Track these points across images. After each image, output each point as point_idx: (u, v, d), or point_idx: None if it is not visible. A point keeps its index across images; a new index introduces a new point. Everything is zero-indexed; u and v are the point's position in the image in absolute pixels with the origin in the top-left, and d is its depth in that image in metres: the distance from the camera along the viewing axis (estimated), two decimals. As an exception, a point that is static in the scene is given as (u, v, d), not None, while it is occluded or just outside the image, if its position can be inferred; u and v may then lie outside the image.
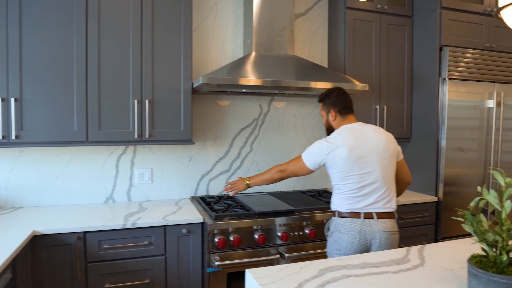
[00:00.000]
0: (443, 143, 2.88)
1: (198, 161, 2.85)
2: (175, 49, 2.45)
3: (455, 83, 2.87)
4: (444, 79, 2.86)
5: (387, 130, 2.96)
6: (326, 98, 2.12)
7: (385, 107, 3.02)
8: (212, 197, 2.78)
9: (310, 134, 3.14)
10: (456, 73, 2.88)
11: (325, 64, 3.16)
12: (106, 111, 2.35)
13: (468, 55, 2.92)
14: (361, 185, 1.94)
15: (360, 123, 2.07)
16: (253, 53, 2.66)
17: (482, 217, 1.27)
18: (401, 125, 3.11)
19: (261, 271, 1.38)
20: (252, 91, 2.72)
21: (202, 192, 2.87)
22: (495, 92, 2.99)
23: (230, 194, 2.41)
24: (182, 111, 2.48)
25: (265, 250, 2.33)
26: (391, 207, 1.99)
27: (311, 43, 3.12)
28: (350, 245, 1.93)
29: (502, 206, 1.23)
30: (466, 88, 2.92)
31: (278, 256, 2.32)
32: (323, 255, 2.37)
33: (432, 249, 1.66)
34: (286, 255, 2.32)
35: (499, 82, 3.04)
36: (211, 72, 2.38)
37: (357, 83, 2.62)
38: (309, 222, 2.42)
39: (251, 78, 2.39)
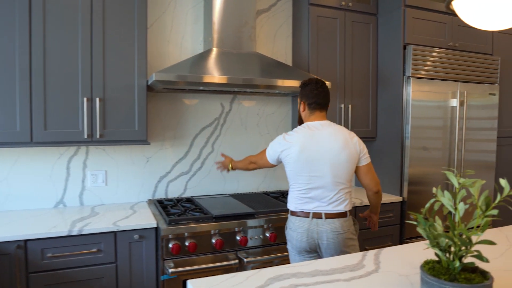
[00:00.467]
0: (407, 142, 2.85)
1: (156, 162, 2.71)
2: (129, 44, 2.31)
3: (419, 82, 2.85)
4: (408, 77, 2.83)
5: (352, 129, 2.93)
6: (303, 87, 2.05)
7: (349, 106, 2.96)
8: (170, 200, 2.65)
9: (274, 134, 3.05)
10: (421, 72, 2.85)
11: (289, 61, 3.09)
12: (52, 110, 2.18)
13: (433, 54, 2.90)
14: (309, 186, 1.92)
15: (323, 123, 1.99)
16: (214, 50, 2.55)
17: (437, 220, 1.21)
18: (366, 125, 3.07)
19: (204, 281, 1.27)
20: (213, 89, 2.62)
21: (160, 195, 2.73)
22: (458, 91, 2.99)
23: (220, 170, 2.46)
24: (136, 109, 2.34)
25: (223, 256, 2.22)
26: (342, 209, 1.94)
27: (275, 40, 3.03)
28: (299, 243, 1.95)
29: (456, 209, 1.17)
30: (430, 87, 2.90)
31: (237, 261, 2.21)
32: (285, 259, 2.29)
33: (389, 253, 1.60)
34: (245, 260, 2.22)
35: (462, 81, 3.05)
36: (165, 69, 2.26)
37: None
38: (270, 225, 2.33)
39: (207, 75, 2.28)
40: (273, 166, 2.12)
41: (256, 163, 2.20)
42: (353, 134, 2.01)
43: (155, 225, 2.14)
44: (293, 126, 3.04)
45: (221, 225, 2.21)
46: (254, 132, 2.99)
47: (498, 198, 1.11)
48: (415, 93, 2.83)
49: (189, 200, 2.64)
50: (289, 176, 2.00)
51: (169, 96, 2.72)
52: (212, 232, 2.20)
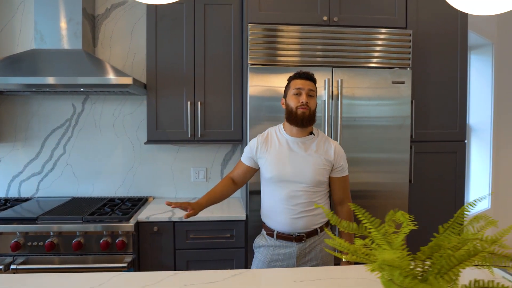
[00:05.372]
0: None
1: (8, 162, 2.82)
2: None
3: (258, 72, 2.28)
4: (247, 66, 2.30)
5: (206, 130, 2.55)
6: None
7: (199, 103, 2.55)
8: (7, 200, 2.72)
9: (133, 136, 2.84)
10: (259, 59, 2.28)
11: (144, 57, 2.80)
12: None
13: (279, 34, 2.29)
14: None
15: None
16: (33, 49, 2.52)
17: None
18: (228, 125, 2.60)
19: None
20: (60, 90, 2.58)
21: (13, 194, 2.83)
22: (328, 80, 2.29)
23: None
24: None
25: (-11, 259, 2.19)
26: None
27: (133, 35, 2.82)
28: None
29: None
30: (273, 78, 2.29)
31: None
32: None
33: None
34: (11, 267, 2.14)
35: (338, 67, 2.33)
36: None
37: (112, 76, 2.27)
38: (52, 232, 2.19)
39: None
40: None
41: None
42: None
43: None
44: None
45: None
46: (109, 133, 2.84)
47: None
48: (253, 88, 2.28)
49: (19, 200, 2.68)
50: None
51: (19, 98, 2.79)
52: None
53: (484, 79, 3.86)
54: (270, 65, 2.31)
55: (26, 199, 2.73)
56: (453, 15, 2.50)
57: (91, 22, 2.75)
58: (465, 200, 3.34)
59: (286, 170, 1.78)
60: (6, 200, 2.71)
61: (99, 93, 2.74)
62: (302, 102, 1.75)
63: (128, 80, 2.28)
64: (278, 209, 1.79)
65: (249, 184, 2.31)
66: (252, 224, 2.32)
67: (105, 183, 2.86)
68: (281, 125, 1.89)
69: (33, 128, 2.82)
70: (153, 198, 2.86)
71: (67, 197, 2.81)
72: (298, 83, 1.79)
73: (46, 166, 2.83)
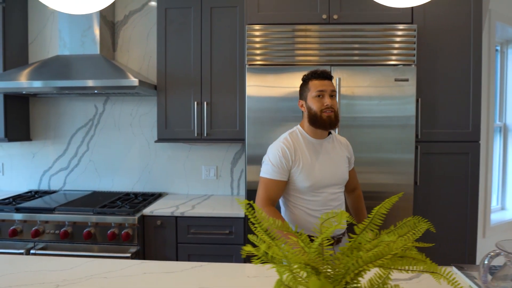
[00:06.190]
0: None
1: (40, 158, 3.10)
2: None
3: (252, 73, 2.31)
4: (244, 67, 2.34)
5: (212, 130, 2.64)
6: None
7: (205, 103, 2.64)
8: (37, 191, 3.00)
9: (148, 134, 3.00)
10: (256, 59, 2.32)
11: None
12: None
13: (272, 35, 2.30)
14: None
15: None
16: (57, 55, 2.76)
17: None
18: (233, 125, 2.66)
19: None
20: (83, 92, 2.82)
21: (44, 187, 3.11)
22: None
23: None
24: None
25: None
26: None
27: (149, 40, 2.98)
28: None
29: None
30: (272, 78, 2.31)
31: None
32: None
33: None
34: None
35: (339, 65, 2.29)
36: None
37: (120, 79, 2.42)
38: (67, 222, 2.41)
39: (20, 81, 2.52)
40: None
41: None
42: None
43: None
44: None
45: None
46: (127, 132, 3.03)
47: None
48: (251, 88, 2.32)
49: (48, 192, 2.95)
50: None
51: (49, 100, 3.07)
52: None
53: (523, 75, 3.57)
54: (268, 65, 2.34)
55: (53, 192, 2.99)
56: (465, 8, 2.36)
57: (111, 28, 2.95)
58: (485, 204, 3.12)
59: (323, 175, 1.69)
60: (36, 192, 2.99)
61: (118, 95, 2.94)
62: (327, 105, 1.66)
63: (134, 82, 2.43)
64: (316, 217, 1.67)
65: (247, 183, 2.36)
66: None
67: (123, 179, 3.06)
68: (300, 128, 1.77)
69: (61, 127, 3.08)
70: (167, 194, 3.01)
71: (89, 190, 3.05)
72: (318, 84, 1.70)
73: (72, 162, 3.09)
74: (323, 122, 1.67)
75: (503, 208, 3.72)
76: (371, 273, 0.89)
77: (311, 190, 1.69)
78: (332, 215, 1.02)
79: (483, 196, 3.13)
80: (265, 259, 0.82)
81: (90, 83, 2.44)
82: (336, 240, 1.71)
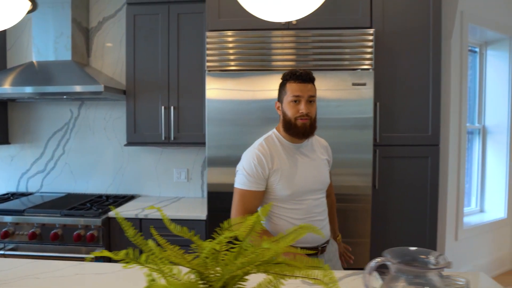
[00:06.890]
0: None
1: (18, 161, 3.18)
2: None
3: (215, 77, 2.36)
4: (205, 72, 2.38)
5: (180, 133, 2.68)
6: None
7: (172, 107, 2.69)
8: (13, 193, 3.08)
9: (122, 138, 3.06)
10: (215, 64, 2.36)
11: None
12: None
13: (230, 39, 2.34)
14: None
15: None
16: (31, 61, 2.83)
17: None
18: (199, 128, 2.70)
19: None
20: (53, 98, 2.89)
21: (22, 189, 3.19)
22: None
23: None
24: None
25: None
26: None
27: (121, 46, 3.04)
28: None
29: None
30: (232, 83, 2.35)
31: (-9, 252, 2.47)
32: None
33: None
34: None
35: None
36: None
37: (84, 84, 2.48)
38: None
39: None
40: None
41: None
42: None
43: None
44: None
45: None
46: (101, 135, 3.09)
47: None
48: (211, 92, 2.36)
49: (25, 194, 3.03)
50: None
51: (26, 104, 3.15)
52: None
53: (501, 77, 3.55)
54: (226, 70, 2.38)
55: (30, 194, 3.07)
56: (423, 11, 2.37)
57: (85, 35, 3.02)
58: (457, 207, 3.10)
59: (305, 181, 1.59)
60: (13, 194, 3.07)
61: (92, 99, 3.00)
62: (302, 113, 1.53)
63: (100, 88, 2.49)
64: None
65: (208, 185, 2.40)
66: (214, 225, 2.40)
67: (98, 181, 3.12)
68: (276, 132, 1.65)
69: (38, 130, 3.16)
70: (139, 196, 3.06)
71: (64, 193, 3.12)
72: (295, 88, 1.54)
73: (48, 165, 3.16)
74: (297, 130, 1.54)
75: (481, 210, 3.70)
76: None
77: (292, 198, 1.57)
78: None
79: (455, 199, 3.12)
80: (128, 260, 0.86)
81: (57, 89, 2.51)
82: (320, 250, 1.62)
